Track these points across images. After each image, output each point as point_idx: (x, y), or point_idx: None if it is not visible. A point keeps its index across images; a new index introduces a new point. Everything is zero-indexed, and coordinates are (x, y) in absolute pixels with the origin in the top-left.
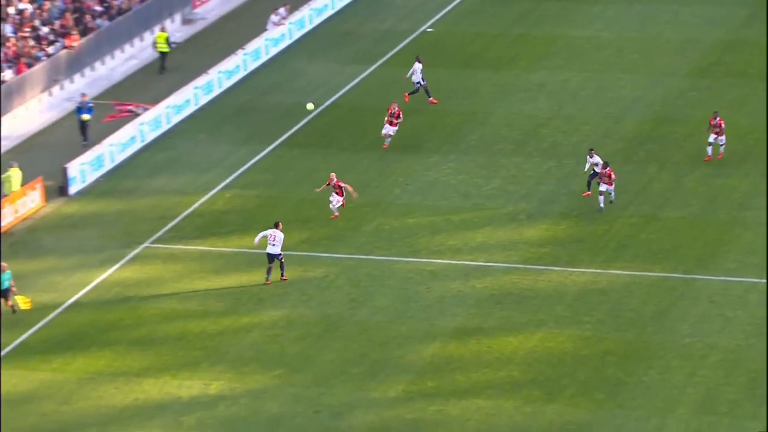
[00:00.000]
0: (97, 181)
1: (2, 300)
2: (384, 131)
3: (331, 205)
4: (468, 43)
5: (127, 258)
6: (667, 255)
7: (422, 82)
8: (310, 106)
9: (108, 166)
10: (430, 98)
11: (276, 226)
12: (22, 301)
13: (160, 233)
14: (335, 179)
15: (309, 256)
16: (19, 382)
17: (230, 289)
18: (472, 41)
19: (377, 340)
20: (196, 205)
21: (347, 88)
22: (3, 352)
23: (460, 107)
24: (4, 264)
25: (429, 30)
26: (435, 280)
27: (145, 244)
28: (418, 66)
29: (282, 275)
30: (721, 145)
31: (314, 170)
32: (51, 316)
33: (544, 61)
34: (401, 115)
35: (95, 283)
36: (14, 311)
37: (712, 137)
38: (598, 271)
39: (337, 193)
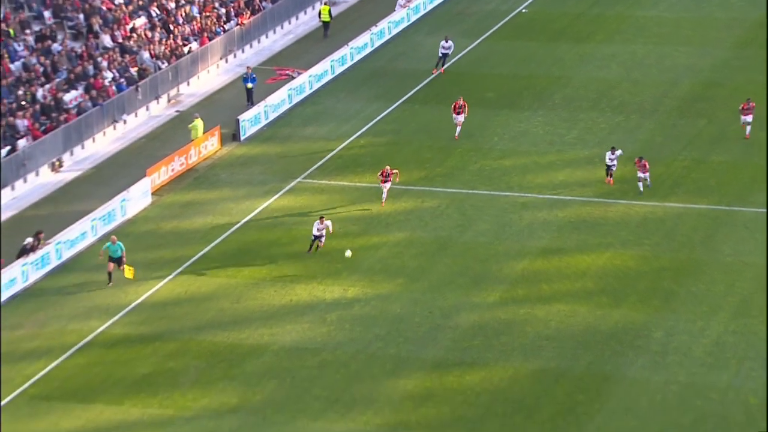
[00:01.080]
0: (262, 129)
1: (114, 264)
2: (455, 120)
3: (384, 194)
4: (554, 20)
5: (284, 190)
6: (713, 191)
7: (441, 55)
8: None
9: (263, 122)
10: (437, 69)
11: (321, 220)
12: (128, 270)
13: (309, 171)
14: (389, 169)
15: (426, 190)
16: (202, 285)
17: (364, 215)
18: (558, 19)
19: (479, 257)
20: (337, 149)
21: (458, 56)
22: (192, 260)
23: (547, 73)
24: (113, 237)
25: (524, 10)
26: (525, 210)
27: (298, 179)
28: (444, 43)
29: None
30: (749, 124)
31: (431, 122)
32: (225, 234)
33: (616, 36)
34: (466, 107)
35: (260, 209)
36: (110, 280)
37: (743, 118)
38: (657, 203)
39: (385, 183)
